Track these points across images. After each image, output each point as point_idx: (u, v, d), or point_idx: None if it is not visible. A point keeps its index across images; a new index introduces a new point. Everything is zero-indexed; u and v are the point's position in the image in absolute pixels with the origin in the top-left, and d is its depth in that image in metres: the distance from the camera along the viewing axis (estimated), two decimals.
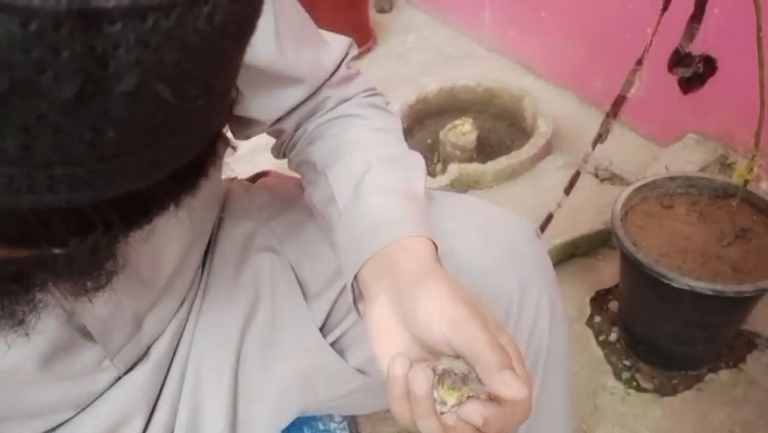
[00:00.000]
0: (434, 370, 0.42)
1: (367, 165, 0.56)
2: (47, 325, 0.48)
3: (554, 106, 1.77)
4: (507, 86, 1.74)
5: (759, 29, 0.88)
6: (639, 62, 0.91)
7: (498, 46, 2.12)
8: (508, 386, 0.38)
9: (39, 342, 0.48)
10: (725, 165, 1.50)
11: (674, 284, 0.98)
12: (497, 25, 2.10)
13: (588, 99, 1.82)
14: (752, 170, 1.01)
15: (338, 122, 0.62)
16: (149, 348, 0.61)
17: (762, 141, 0.99)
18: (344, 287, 0.61)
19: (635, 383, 1.20)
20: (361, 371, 0.64)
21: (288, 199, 0.70)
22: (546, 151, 1.61)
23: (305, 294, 0.65)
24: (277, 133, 0.65)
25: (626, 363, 1.23)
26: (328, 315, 0.65)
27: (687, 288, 0.97)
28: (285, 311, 0.65)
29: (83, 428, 0.57)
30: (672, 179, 1.16)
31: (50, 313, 0.48)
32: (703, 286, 0.96)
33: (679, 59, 0.95)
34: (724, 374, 1.19)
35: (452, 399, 0.40)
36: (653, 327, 1.14)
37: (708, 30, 0.94)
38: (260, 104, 0.59)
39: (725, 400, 1.16)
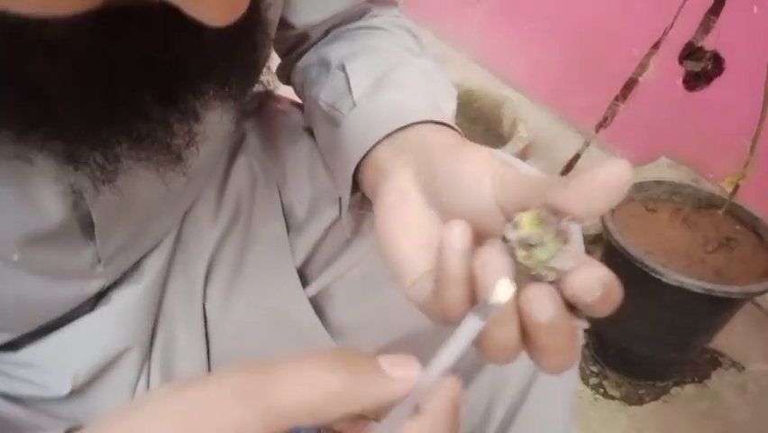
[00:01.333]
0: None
1: (392, 66, 0.49)
2: (48, 204, 0.38)
3: (530, 120, 1.77)
4: (489, 90, 1.73)
5: None
6: (656, 45, 0.89)
7: (480, 55, 2.12)
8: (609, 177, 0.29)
9: (30, 219, 0.38)
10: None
11: (663, 279, 0.95)
12: (481, 34, 2.10)
13: (566, 117, 1.82)
14: (744, 176, 1.01)
15: (367, 31, 0.56)
16: (141, 265, 0.51)
17: (757, 147, 0.99)
18: (335, 221, 0.53)
19: (602, 390, 1.17)
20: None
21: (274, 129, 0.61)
22: (523, 157, 1.60)
23: (287, 222, 0.56)
24: (299, 41, 0.58)
25: (594, 369, 1.20)
26: (309, 258, 0.55)
27: (676, 284, 0.95)
28: (260, 237, 0.55)
29: (74, 357, 0.47)
30: (658, 183, 1.16)
31: (58, 192, 0.38)
32: (693, 283, 0.94)
33: (690, 52, 0.94)
34: (689, 388, 1.18)
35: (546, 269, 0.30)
36: (626, 329, 1.11)
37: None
38: (307, 4, 0.53)
39: (690, 413, 1.14)
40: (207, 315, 0.54)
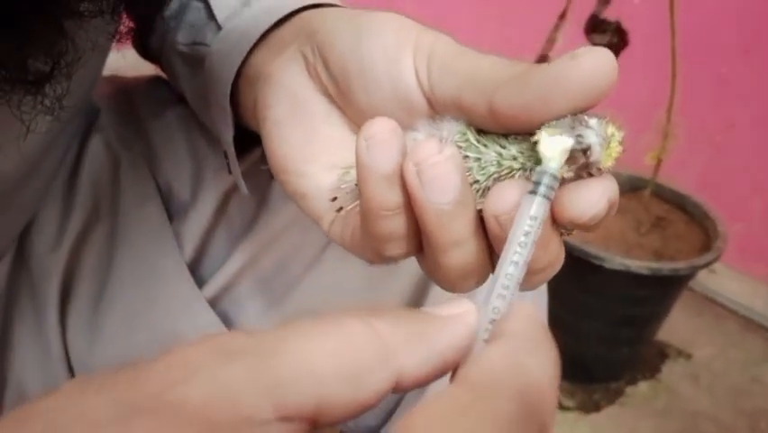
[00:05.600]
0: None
1: None
2: None
3: None
4: None
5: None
6: (562, 16, 0.84)
7: None
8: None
9: None
10: None
11: (607, 265, 0.88)
12: None
13: None
14: (665, 149, 0.97)
15: None
16: None
17: (673, 116, 0.96)
18: (229, 193, 0.40)
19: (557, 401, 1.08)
20: None
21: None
22: None
23: (168, 208, 0.42)
24: None
25: None
26: (202, 248, 0.41)
27: (621, 268, 0.88)
28: (132, 233, 0.41)
29: None
30: None
31: None
32: (638, 265, 0.88)
33: (595, 25, 0.90)
34: (643, 386, 1.12)
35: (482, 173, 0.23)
36: (576, 331, 1.04)
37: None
38: None
39: (649, 412, 1.08)
40: (69, 352, 0.39)
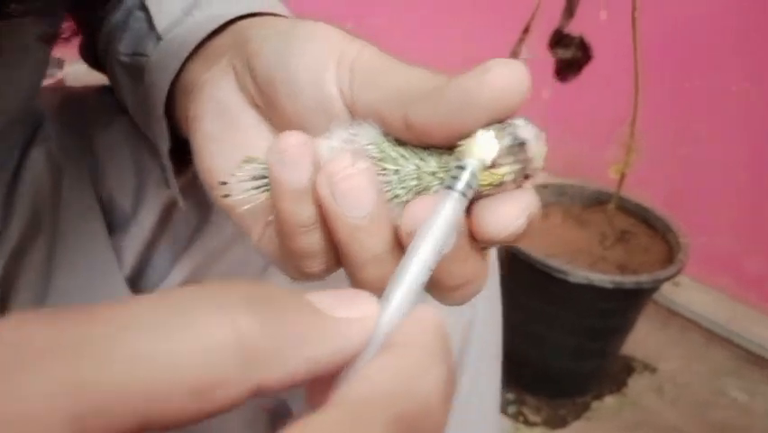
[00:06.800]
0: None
1: None
2: None
3: None
4: None
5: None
6: (526, 30, 0.84)
7: None
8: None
9: None
10: None
11: (571, 279, 0.88)
12: None
13: None
14: (628, 163, 0.98)
15: None
16: None
17: (636, 130, 0.96)
18: (170, 206, 0.39)
19: (522, 418, 1.07)
20: None
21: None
22: None
23: (109, 221, 0.41)
24: None
25: (510, 396, 1.10)
26: (142, 262, 0.41)
27: (584, 281, 0.88)
28: (71, 247, 0.40)
29: None
30: (544, 187, 1.11)
31: None
32: (601, 278, 0.88)
33: (559, 39, 0.90)
34: (609, 400, 1.12)
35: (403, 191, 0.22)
36: (541, 345, 1.03)
37: None
38: None
39: (615, 427, 1.08)
40: None
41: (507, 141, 0.20)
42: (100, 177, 0.41)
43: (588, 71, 0.97)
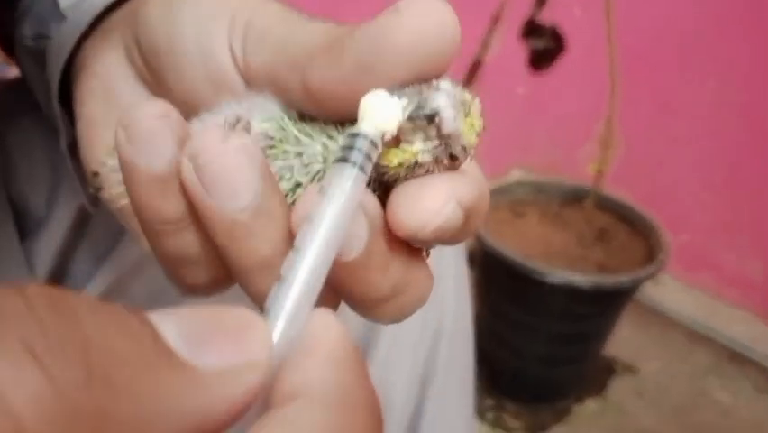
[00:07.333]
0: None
1: None
2: None
3: None
4: None
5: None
6: (496, 20, 0.80)
7: None
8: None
9: None
10: None
11: (548, 279, 0.84)
12: None
13: None
14: (606, 160, 0.95)
15: None
16: None
17: (613, 127, 0.93)
18: (84, 209, 0.35)
19: (501, 423, 1.03)
20: None
21: None
22: None
23: (21, 225, 0.37)
24: None
25: (489, 402, 1.06)
26: (57, 270, 0.36)
27: (562, 282, 0.84)
28: None
29: None
30: (520, 184, 1.07)
31: None
32: (580, 279, 0.84)
33: (531, 29, 0.87)
34: (590, 404, 1.08)
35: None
36: (519, 349, 0.99)
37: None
38: None
39: (596, 431, 1.04)
40: None
41: (411, 106, 0.15)
42: (12, 176, 0.37)
43: (564, 67, 0.93)
